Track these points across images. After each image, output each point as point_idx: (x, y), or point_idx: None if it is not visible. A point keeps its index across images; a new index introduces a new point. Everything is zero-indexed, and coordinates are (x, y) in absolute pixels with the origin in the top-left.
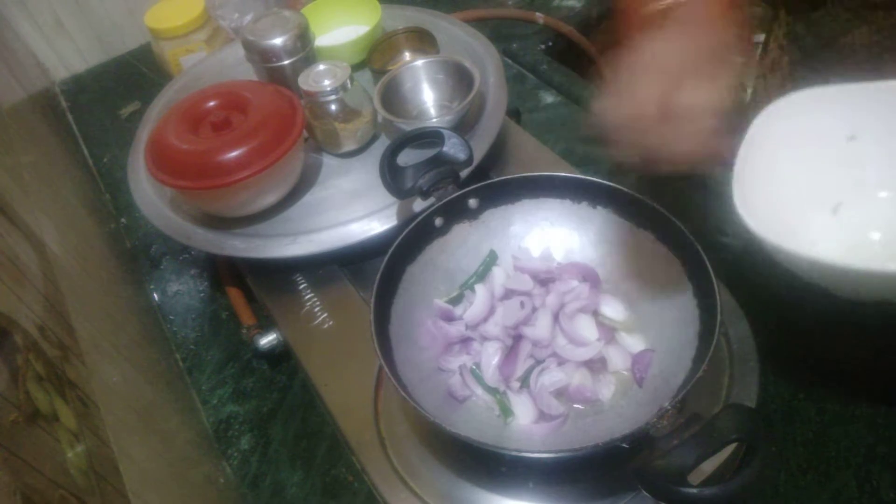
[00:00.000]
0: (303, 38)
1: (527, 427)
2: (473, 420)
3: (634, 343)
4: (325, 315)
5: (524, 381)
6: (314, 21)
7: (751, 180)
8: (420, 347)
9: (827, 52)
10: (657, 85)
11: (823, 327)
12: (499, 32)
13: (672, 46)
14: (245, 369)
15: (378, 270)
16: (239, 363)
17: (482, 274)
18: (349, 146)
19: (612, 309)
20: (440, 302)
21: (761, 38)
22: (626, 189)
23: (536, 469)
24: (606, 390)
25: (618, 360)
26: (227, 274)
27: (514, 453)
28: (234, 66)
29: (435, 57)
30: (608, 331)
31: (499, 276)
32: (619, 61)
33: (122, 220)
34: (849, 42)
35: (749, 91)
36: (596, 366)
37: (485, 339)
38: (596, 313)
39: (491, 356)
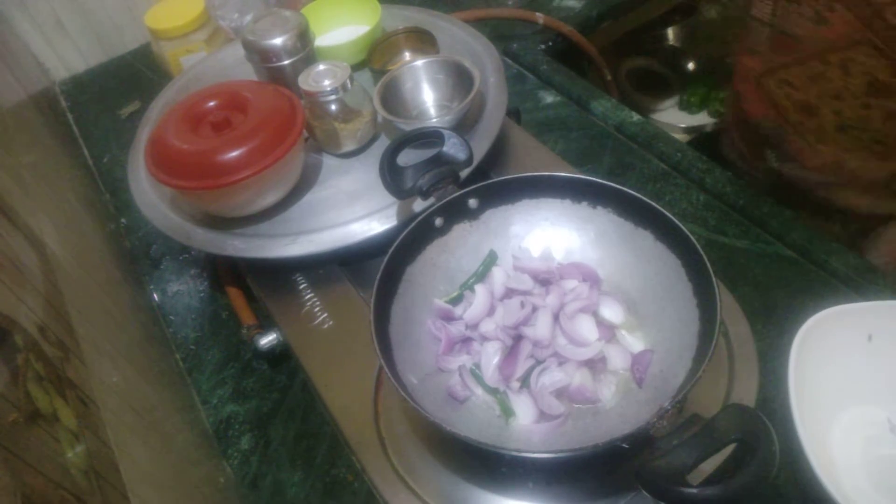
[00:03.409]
0: (303, 38)
1: (527, 427)
2: (473, 420)
3: (634, 343)
4: (325, 315)
5: (524, 381)
6: (314, 21)
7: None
8: (420, 347)
9: None
10: None
11: None
12: (499, 32)
13: None
14: (245, 369)
15: (378, 270)
16: (239, 363)
17: (482, 274)
18: (349, 146)
19: (612, 309)
20: (440, 302)
21: None
22: (626, 189)
23: (536, 469)
24: (606, 390)
25: (618, 360)
26: (227, 274)
27: (514, 453)
28: (234, 66)
29: (435, 57)
30: (608, 331)
31: (499, 276)
32: None
33: (123, 220)
34: None
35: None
36: (596, 366)
37: (485, 339)
38: (596, 313)
39: (491, 356)
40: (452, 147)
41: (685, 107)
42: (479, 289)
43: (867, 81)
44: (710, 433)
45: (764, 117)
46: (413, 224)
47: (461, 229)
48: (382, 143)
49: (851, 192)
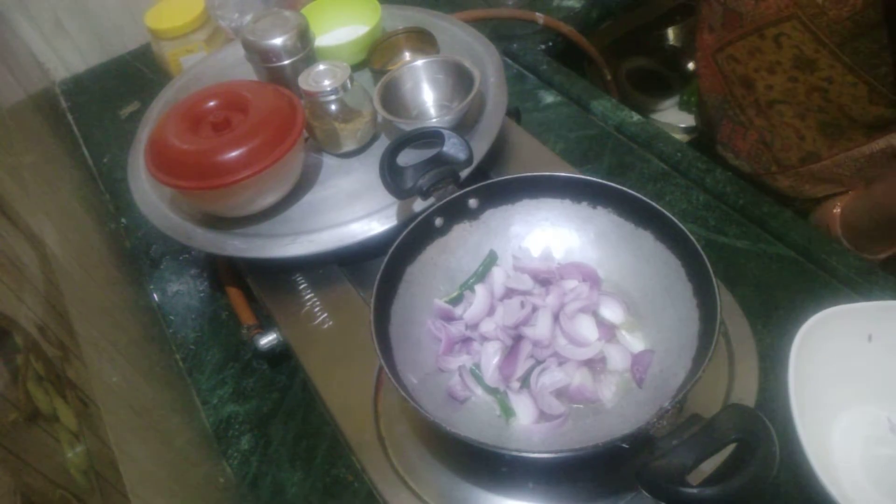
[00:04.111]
0: (303, 38)
1: (527, 427)
2: (473, 420)
3: (634, 343)
4: (325, 315)
5: (524, 381)
6: (314, 21)
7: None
8: (420, 347)
9: None
10: None
11: None
12: (499, 32)
13: None
14: (245, 369)
15: (378, 270)
16: (239, 363)
17: (482, 274)
18: (349, 146)
19: (612, 309)
20: (440, 302)
21: None
22: (626, 189)
23: (536, 469)
24: (606, 390)
25: (618, 360)
26: (227, 274)
27: (514, 453)
28: (234, 66)
29: (435, 57)
30: (608, 331)
31: (499, 276)
32: None
33: (122, 220)
34: None
35: None
36: (596, 366)
37: (485, 339)
38: (596, 313)
39: (491, 356)
40: (452, 147)
41: (685, 107)
42: (479, 289)
43: (795, 55)
44: (710, 433)
45: (715, 93)
46: (413, 224)
47: (461, 229)
48: (382, 143)
49: (775, 175)
